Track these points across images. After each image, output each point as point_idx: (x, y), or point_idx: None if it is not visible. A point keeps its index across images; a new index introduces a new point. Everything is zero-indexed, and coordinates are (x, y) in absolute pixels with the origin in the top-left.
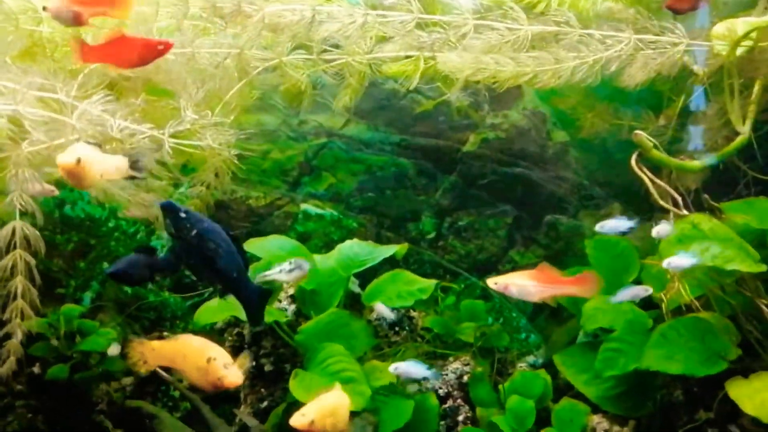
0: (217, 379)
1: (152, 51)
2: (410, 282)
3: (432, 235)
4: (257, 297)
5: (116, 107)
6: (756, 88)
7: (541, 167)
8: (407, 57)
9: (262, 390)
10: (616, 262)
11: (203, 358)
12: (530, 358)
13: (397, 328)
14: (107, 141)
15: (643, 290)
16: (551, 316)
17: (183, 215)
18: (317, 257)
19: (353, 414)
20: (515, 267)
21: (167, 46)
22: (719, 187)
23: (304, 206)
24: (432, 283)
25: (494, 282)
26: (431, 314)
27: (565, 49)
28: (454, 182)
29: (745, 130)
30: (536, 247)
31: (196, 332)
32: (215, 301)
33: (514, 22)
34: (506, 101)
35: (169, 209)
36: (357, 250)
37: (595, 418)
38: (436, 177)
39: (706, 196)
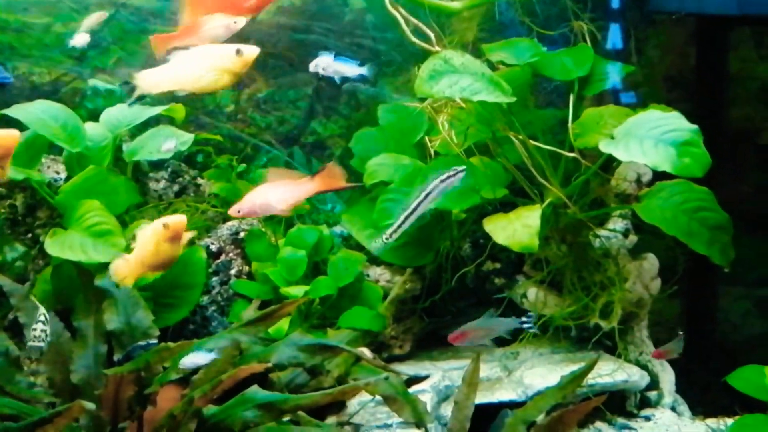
0: None
1: None
2: (170, 136)
3: (230, 108)
4: None
5: None
6: None
7: (338, 34)
8: None
9: (40, 262)
10: (405, 122)
11: None
12: (337, 229)
13: (183, 195)
14: None
15: None
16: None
17: None
18: (87, 124)
19: (105, 266)
20: (318, 138)
21: None
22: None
23: (92, 82)
24: (191, 136)
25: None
26: (222, 182)
27: None
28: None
29: None
30: (337, 117)
31: None
32: None
33: None
34: None
35: None
36: (125, 111)
37: (378, 270)
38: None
39: (486, 44)
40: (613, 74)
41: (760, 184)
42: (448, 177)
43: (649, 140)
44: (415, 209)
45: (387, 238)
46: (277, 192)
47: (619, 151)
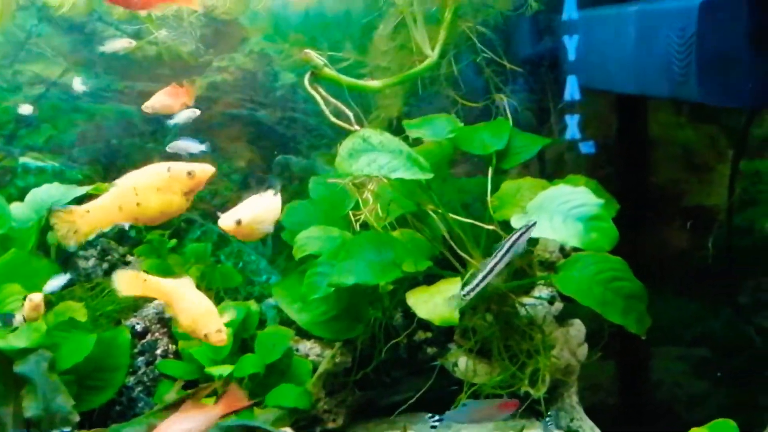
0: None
1: None
2: None
3: None
4: None
5: None
6: (447, 15)
7: (269, 109)
8: None
9: None
10: (334, 195)
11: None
12: (272, 300)
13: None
14: None
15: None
16: (291, 257)
17: None
18: (14, 205)
19: (28, 351)
20: None
21: None
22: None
23: (23, 160)
24: None
25: None
26: (152, 258)
27: None
28: (182, 127)
29: (433, 54)
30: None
31: None
32: None
33: None
34: (230, 44)
35: None
36: (52, 192)
37: (309, 344)
38: (164, 123)
39: (406, 121)
40: (531, 148)
41: (685, 245)
42: (521, 234)
43: (558, 216)
44: (492, 270)
45: (464, 296)
46: (187, 424)
47: None
